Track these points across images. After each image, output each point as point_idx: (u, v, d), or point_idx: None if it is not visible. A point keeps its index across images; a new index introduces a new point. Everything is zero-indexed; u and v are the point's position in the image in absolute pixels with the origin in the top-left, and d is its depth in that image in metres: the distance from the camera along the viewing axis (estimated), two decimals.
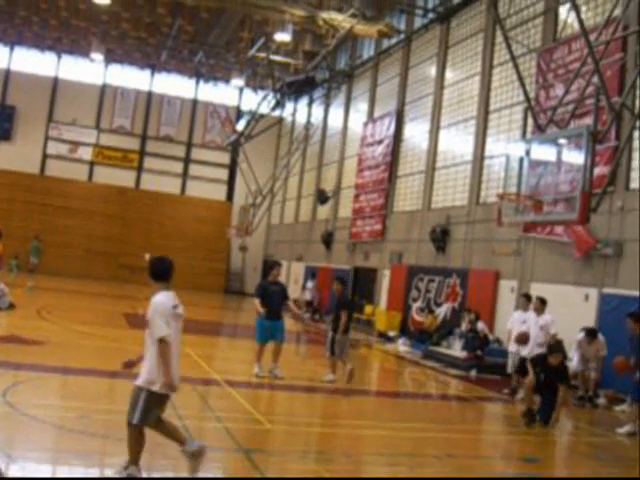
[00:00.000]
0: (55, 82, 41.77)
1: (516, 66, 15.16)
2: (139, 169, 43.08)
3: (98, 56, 37.82)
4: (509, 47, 15.30)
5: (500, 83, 21.57)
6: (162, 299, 6.15)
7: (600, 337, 13.89)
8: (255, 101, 36.82)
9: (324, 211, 34.54)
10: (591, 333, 13.83)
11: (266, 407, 11.33)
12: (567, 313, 15.34)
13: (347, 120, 34.07)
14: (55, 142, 41.70)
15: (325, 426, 10.28)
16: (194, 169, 43.89)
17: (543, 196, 13.33)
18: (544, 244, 18.17)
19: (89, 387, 10.40)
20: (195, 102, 43.81)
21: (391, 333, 23.23)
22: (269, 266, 14.44)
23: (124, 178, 42.56)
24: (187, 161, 43.89)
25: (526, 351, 13.02)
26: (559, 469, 9.35)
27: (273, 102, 34.63)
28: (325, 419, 10.86)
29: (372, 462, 8.38)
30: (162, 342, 6.01)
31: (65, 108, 41.59)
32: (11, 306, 18.35)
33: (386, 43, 29.91)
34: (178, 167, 43.71)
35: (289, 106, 39.06)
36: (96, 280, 37.73)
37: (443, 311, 22.03)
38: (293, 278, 36.27)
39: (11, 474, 5.98)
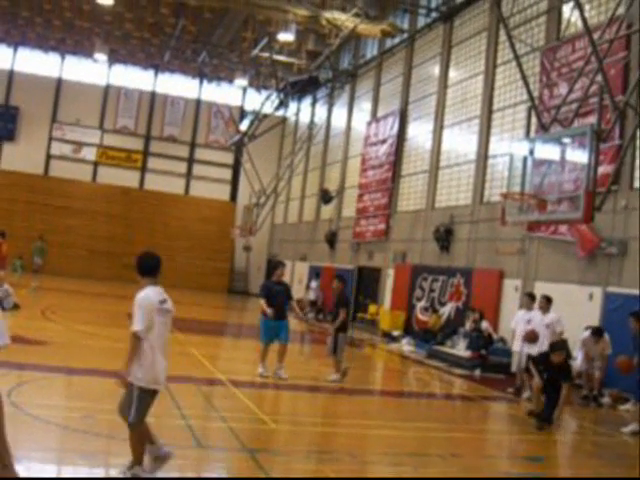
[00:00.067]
0: (59, 83, 41.83)
1: (519, 65, 15.14)
2: (143, 169, 43.11)
3: (101, 56, 37.86)
4: (512, 46, 15.28)
5: (504, 82, 21.54)
6: (148, 294, 6.15)
7: (606, 336, 13.87)
8: (258, 101, 36.79)
9: (328, 211, 34.53)
10: (597, 332, 13.80)
11: (270, 407, 11.34)
12: (571, 312, 15.31)
13: (350, 120, 34.05)
14: (59, 142, 41.75)
15: (329, 426, 10.28)
16: (198, 169, 43.91)
17: (547, 195, 13.31)
18: (548, 243, 18.15)
19: (93, 387, 10.41)
20: (199, 102, 43.83)
21: (395, 333, 23.20)
22: (273, 266, 14.47)
23: (128, 178, 42.60)
24: (191, 161, 43.91)
25: (535, 350, 12.98)
26: (563, 468, 9.34)
27: (276, 102, 34.64)
28: (329, 419, 10.86)
29: (376, 462, 8.38)
30: (134, 336, 6.01)
31: (69, 108, 41.64)
32: (15, 306, 18.37)
33: (389, 43, 29.88)
34: (182, 167, 43.74)
35: (292, 106, 39.06)
36: (99, 280, 37.78)
37: (447, 310, 22.00)
38: (297, 278, 36.26)
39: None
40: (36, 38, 38.84)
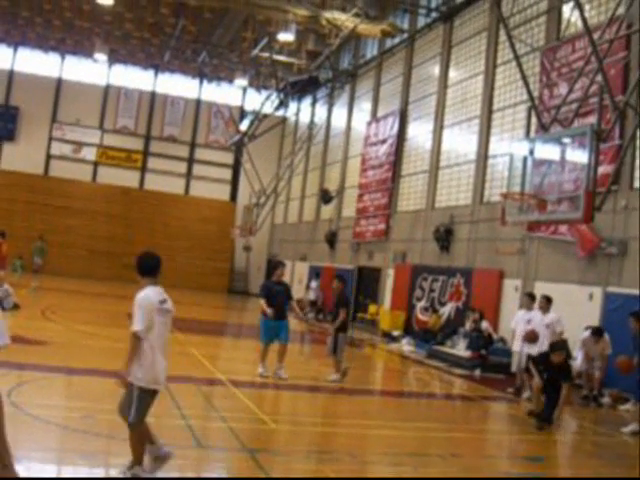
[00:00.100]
0: (59, 83, 41.82)
1: (520, 65, 15.14)
2: (143, 169, 43.11)
3: (101, 56, 37.86)
4: (512, 46, 15.28)
5: (504, 82, 21.54)
6: (148, 294, 6.16)
7: (606, 336, 13.87)
8: (258, 101, 36.79)
9: (328, 211, 34.53)
10: (597, 332, 13.80)
11: (270, 407, 11.34)
12: (571, 312, 15.31)
13: (350, 120, 34.05)
14: (59, 142, 41.75)
15: (329, 426, 10.28)
16: (198, 169, 43.92)
17: (547, 195, 13.31)
18: (548, 243, 18.15)
19: (93, 387, 10.41)
20: (198, 102, 43.83)
21: (395, 333, 23.20)
22: (273, 266, 14.47)
23: (128, 178, 42.60)
24: (191, 161, 43.91)
25: (535, 350, 12.98)
26: (563, 468, 9.34)
27: (276, 102, 34.64)
28: (329, 419, 10.86)
29: (376, 462, 8.38)
30: (134, 336, 6.01)
31: (69, 108, 41.64)
32: (15, 306, 18.37)
33: (389, 43, 29.88)
34: (182, 167, 43.74)
35: (292, 106, 39.05)
36: (99, 280, 37.78)
37: (447, 310, 22.00)
38: (297, 278, 36.26)
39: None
40: (36, 38, 38.85)
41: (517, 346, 14.16)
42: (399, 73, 28.98)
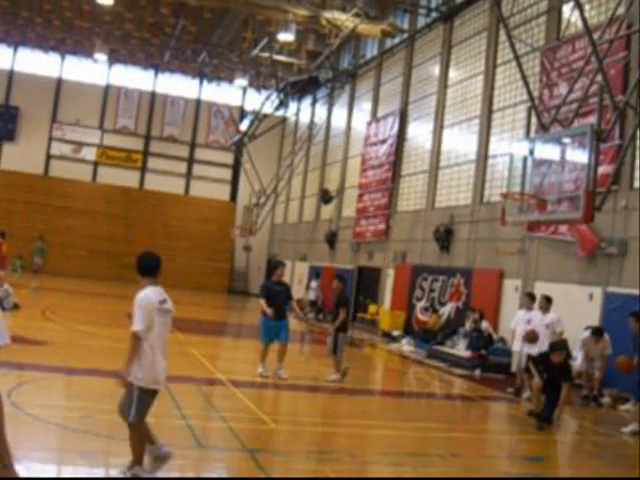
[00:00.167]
0: (59, 83, 41.82)
1: (519, 65, 15.14)
2: (143, 169, 43.11)
3: (101, 56, 37.86)
4: (512, 46, 15.28)
5: (504, 82, 21.54)
6: (147, 294, 6.16)
7: (606, 336, 13.87)
8: (258, 101, 36.79)
9: (328, 211, 34.53)
10: (597, 332, 13.80)
11: (270, 407, 11.34)
12: (571, 312, 15.31)
13: (350, 120, 34.05)
14: (59, 142, 41.76)
15: (329, 426, 10.28)
16: (198, 169, 43.91)
17: (547, 195, 13.31)
18: (548, 243, 18.15)
19: (93, 387, 10.40)
20: (198, 102, 43.83)
21: (395, 333, 23.20)
22: (273, 266, 14.47)
23: (128, 178, 42.60)
24: (191, 161, 43.91)
25: (535, 350, 12.97)
26: (563, 468, 9.34)
27: (276, 102, 34.64)
28: (329, 419, 10.87)
29: (376, 462, 8.38)
30: (134, 336, 6.02)
31: (69, 108, 41.64)
32: (15, 306, 18.37)
33: (389, 43, 29.88)
34: (182, 167, 43.74)
35: (292, 106, 39.05)
36: (99, 280, 37.78)
37: (447, 310, 22.00)
38: (297, 278, 36.26)
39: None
40: (36, 38, 38.85)
41: (517, 346, 14.16)
42: (399, 73, 28.98)
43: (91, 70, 41.84)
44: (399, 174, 27.46)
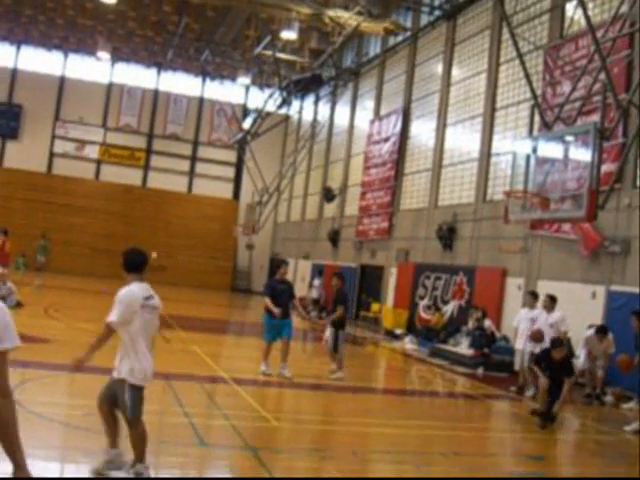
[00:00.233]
0: (62, 81, 41.86)
1: (523, 63, 15.11)
2: (146, 167, 43.15)
3: (104, 55, 37.91)
4: (516, 44, 15.26)
5: (507, 80, 21.52)
6: (132, 289, 6.19)
7: (610, 335, 13.85)
8: (261, 99, 36.75)
9: (331, 209, 34.53)
10: (602, 330, 13.78)
11: (273, 405, 11.34)
12: (574, 311, 15.30)
13: (353, 118, 34.04)
14: (62, 140, 41.80)
15: (332, 424, 10.28)
16: (200, 167, 43.93)
17: (550, 193, 13.29)
18: (551, 241, 18.13)
19: (96, 385, 10.37)
20: (201, 100, 43.84)
21: (398, 331, 23.21)
22: (276, 264, 14.46)
23: (130, 176, 42.64)
24: (193, 159, 43.93)
25: (539, 349, 12.94)
26: (566, 467, 9.33)
27: (279, 100, 34.61)
28: (332, 417, 10.86)
29: (379, 460, 8.38)
30: (107, 327, 6.12)
31: (72, 107, 41.68)
32: (18, 304, 18.40)
33: (392, 41, 29.85)
34: (184, 165, 43.76)
35: (295, 104, 38.97)
36: (102, 278, 37.67)
37: (450, 309, 21.99)
38: (300, 276, 36.27)
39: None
40: (39, 36, 38.88)
41: (520, 344, 14.14)
42: (402, 71, 28.96)
43: (94, 68, 41.86)
44: (402, 172, 27.45)
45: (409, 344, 21.08)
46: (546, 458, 9.26)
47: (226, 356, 17.00)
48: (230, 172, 44.24)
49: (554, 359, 10.86)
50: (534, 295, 14.56)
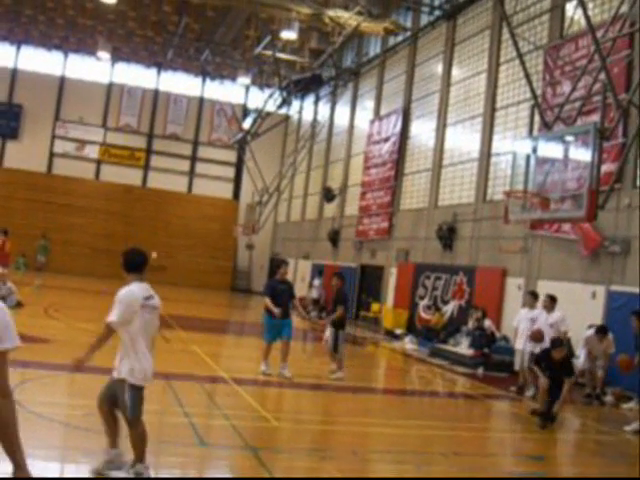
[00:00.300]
0: (62, 81, 41.86)
1: (523, 63, 15.11)
2: (146, 167, 43.15)
3: (105, 55, 37.90)
4: (516, 44, 15.26)
5: (507, 80, 21.52)
6: (132, 289, 6.19)
7: (610, 335, 13.85)
8: (261, 99, 36.76)
9: (331, 209, 34.53)
10: (602, 330, 13.77)
11: (273, 405, 11.34)
12: (574, 310, 15.30)
13: (353, 118, 34.04)
14: (62, 140, 41.80)
15: (332, 424, 10.28)
16: (200, 167, 43.93)
17: (550, 193, 13.30)
18: (551, 241, 18.13)
19: (96, 385, 10.37)
20: (201, 100, 43.85)
21: (398, 331, 23.21)
22: (276, 264, 14.46)
23: (131, 176, 42.64)
24: (193, 159, 43.93)
25: (539, 349, 12.94)
26: (566, 467, 9.33)
27: (279, 100, 34.61)
28: (332, 417, 10.86)
29: (379, 460, 8.38)
30: (107, 327, 6.13)
31: (72, 106, 41.68)
32: (18, 304, 18.40)
33: (392, 41, 29.85)
34: (185, 165, 43.76)
35: (295, 104, 38.96)
36: (102, 278, 37.67)
37: (450, 309, 21.99)
38: (300, 276, 36.27)
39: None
40: (39, 36, 38.88)
41: (520, 344, 14.14)
42: (402, 71, 28.96)
43: (94, 68, 41.85)
44: (402, 172, 27.45)
45: (409, 344, 21.08)
46: (546, 458, 9.26)
47: (226, 356, 17.00)
48: (230, 172, 44.24)
49: (554, 359, 10.86)
50: (534, 295, 14.56)
